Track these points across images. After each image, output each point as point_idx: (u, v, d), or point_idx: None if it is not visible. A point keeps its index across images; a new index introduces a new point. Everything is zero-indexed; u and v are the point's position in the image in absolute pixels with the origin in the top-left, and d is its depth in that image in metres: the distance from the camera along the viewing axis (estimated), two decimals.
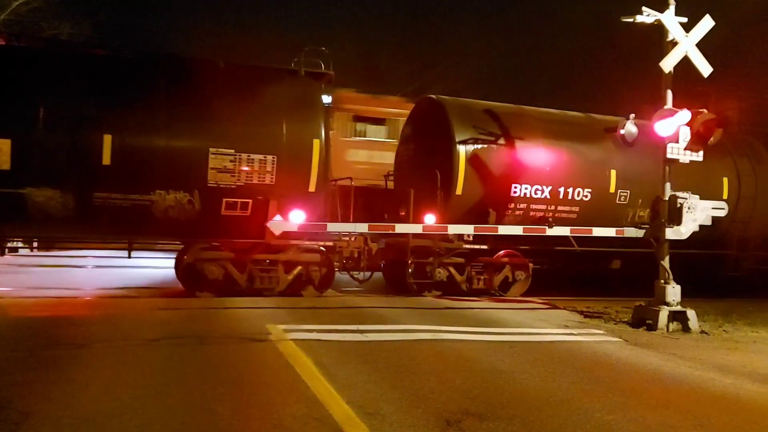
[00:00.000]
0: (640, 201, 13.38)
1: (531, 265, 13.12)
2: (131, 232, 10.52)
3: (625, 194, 13.39)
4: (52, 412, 4.48)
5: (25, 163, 9.41)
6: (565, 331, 8.93)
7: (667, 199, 10.09)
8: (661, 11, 9.99)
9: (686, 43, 9.93)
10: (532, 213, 12.80)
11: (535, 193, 12.68)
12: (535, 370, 6.41)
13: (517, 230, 11.17)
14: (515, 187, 12.46)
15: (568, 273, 14.10)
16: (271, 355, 6.58)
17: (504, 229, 10.89)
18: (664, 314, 9.48)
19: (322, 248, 11.22)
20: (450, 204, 11.98)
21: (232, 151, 10.42)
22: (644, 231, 10.52)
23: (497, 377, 6.06)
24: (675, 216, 10.05)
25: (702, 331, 9.41)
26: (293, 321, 8.51)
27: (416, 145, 13.22)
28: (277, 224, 9.11)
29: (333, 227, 9.73)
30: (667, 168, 10.10)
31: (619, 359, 7.18)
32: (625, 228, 11.01)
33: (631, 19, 10.12)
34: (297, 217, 9.53)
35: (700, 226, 10.05)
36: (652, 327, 9.45)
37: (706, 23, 9.91)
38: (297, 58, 11.78)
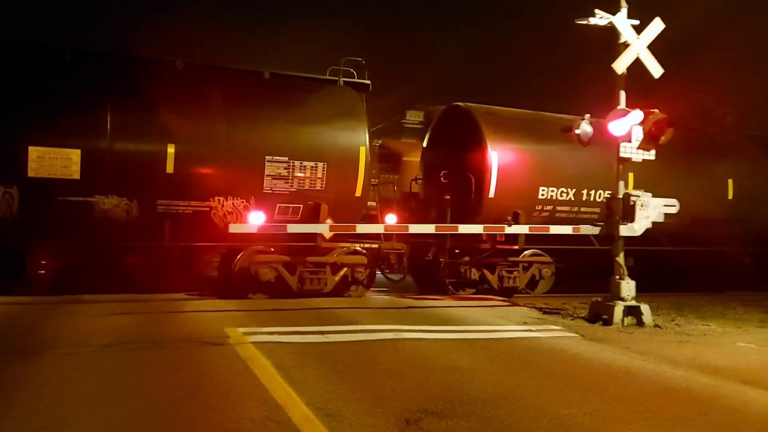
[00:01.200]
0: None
1: (553, 264, 13.56)
2: (191, 238, 10.68)
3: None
4: (2, 425, 4.34)
5: (93, 172, 9.75)
6: (524, 328, 9.08)
7: (621, 197, 10.34)
8: (614, 13, 10.24)
9: (638, 45, 10.19)
10: (557, 214, 13.35)
11: (561, 195, 13.28)
12: (493, 367, 6.50)
13: (478, 229, 11.37)
14: (542, 190, 13.04)
15: (587, 271, 14.18)
16: (229, 358, 6.50)
17: (463, 228, 11.00)
18: (619, 309, 9.71)
19: (364, 250, 11.78)
20: (483, 206, 12.51)
21: (286, 158, 10.93)
22: (600, 228, 10.77)
23: (457, 375, 6.13)
24: (629, 213, 10.31)
25: (656, 325, 9.67)
26: (253, 324, 8.43)
27: (446, 150, 13.61)
28: (235, 226, 9.02)
29: (293, 228, 9.67)
30: (620, 167, 10.35)
31: (576, 354, 7.33)
32: (581, 226, 11.25)
33: (585, 21, 10.32)
34: (256, 219, 9.44)
35: None
36: (608, 322, 9.67)
37: (657, 26, 10.20)
38: (333, 67, 12.24)
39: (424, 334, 8.11)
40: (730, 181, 15.33)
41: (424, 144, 14.87)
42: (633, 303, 9.86)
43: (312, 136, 11.28)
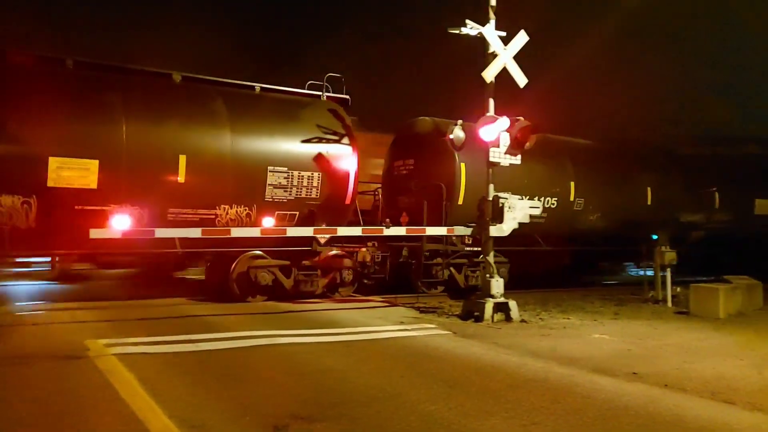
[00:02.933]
0: (591, 207, 15.63)
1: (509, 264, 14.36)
2: (197, 245, 10.72)
3: (581, 202, 15.49)
4: None
5: (109, 182, 9.96)
6: (400, 327, 9.26)
7: (491, 199, 10.85)
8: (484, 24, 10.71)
9: (505, 56, 10.72)
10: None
11: None
12: (366, 368, 6.57)
13: (356, 231, 11.46)
14: (503, 198, 13.31)
15: (537, 269, 15.65)
16: (88, 372, 6.08)
17: (342, 231, 11.06)
18: (489, 306, 10.17)
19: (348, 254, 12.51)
20: (453, 212, 13.13)
21: (286, 168, 11.55)
22: (471, 229, 11.24)
23: (329, 378, 6.12)
24: (498, 215, 10.84)
25: (522, 320, 10.22)
26: (117, 334, 7.92)
27: (414, 161, 14.30)
28: (96, 231, 8.46)
29: (161, 233, 9.23)
30: (490, 170, 10.85)
31: (447, 351, 7.58)
32: (455, 227, 11.69)
33: (456, 31, 10.72)
34: (120, 223, 8.92)
35: None
36: (479, 318, 10.11)
37: (521, 38, 10.79)
38: (311, 81, 13.09)
39: (300, 339, 8.03)
40: (649, 189, 17.03)
41: (387, 155, 15.17)
42: (502, 300, 10.37)
43: (310, 149, 11.96)
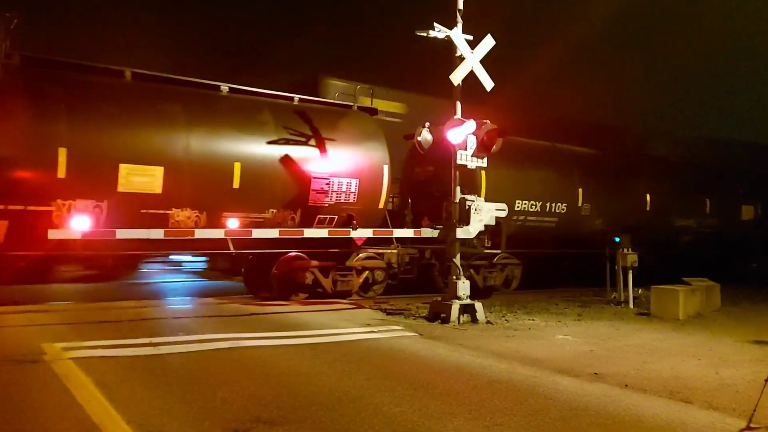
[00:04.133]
0: (597, 213, 16.62)
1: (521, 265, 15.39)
2: (247, 245, 11.53)
3: (588, 207, 16.47)
4: None
5: (172, 187, 10.58)
6: (367, 330, 9.23)
7: (457, 201, 10.91)
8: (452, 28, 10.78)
9: (472, 59, 10.81)
10: (527, 223, 15.26)
11: (531, 207, 15.34)
12: (332, 370, 6.52)
13: (323, 233, 11.45)
14: (518, 203, 14.98)
15: (543, 271, 16.55)
16: (43, 377, 5.90)
17: (308, 233, 11.01)
18: (455, 308, 10.22)
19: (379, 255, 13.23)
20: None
21: (327, 175, 12.25)
22: (438, 231, 11.28)
23: (294, 381, 6.07)
24: (464, 217, 10.91)
25: (488, 321, 10.30)
26: (76, 338, 7.72)
27: (435, 168, 14.54)
28: (54, 232, 8.24)
29: (122, 234, 9.04)
30: (457, 173, 10.91)
31: (413, 353, 7.59)
32: (422, 228, 11.73)
33: (424, 34, 10.76)
34: (81, 224, 8.71)
35: None
36: (446, 320, 10.15)
37: (488, 42, 10.88)
38: (340, 93, 14.16)
39: (265, 341, 7.94)
40: (648, 196, 18.16)
41: (405, 162, 15.58)
42: (468, 301, 10.43)
43: (348, 156, 12.67)
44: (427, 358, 7.34)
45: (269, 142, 11.76)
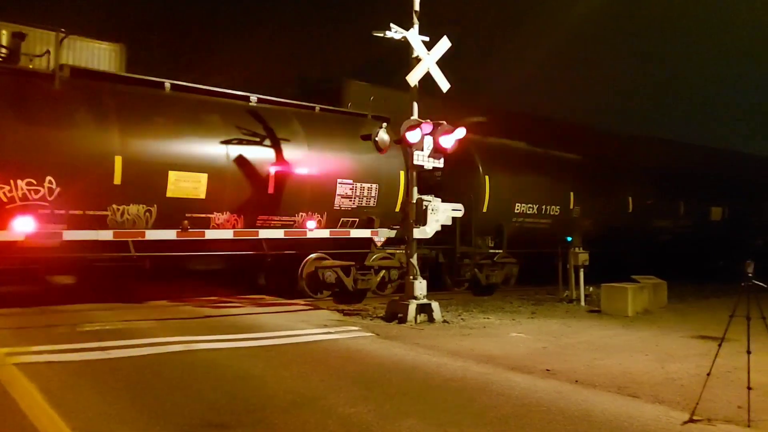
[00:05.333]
0: (585, 214, 17.56)
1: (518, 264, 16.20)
2: (280, 246, 12.20)
3: (578, 209, 17.56)
4: None
5: (215, 192, 11.28)
6: (323, 330, 9.19)
7: (414, 202, 10.97)
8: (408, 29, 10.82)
9: (428, 60, 10.87)
10: (525, 225, 16.22)
11: (528, 210, 16.40)
12: (287, 372, 6.47)
13: (279, 233, 11.38)
14: (518, 206, 16.09)
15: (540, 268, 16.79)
16: None
17: (263, 233, 10.93)
18: (412, 307, 10.28)
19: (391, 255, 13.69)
20: (478, 218, 14.99)
21: (351, 180, 13.02)
22: (395, 231, 11.33)
23: (247, 383, 6.00)
24: (421, 217, 10.98)
25: (444, 321, 10.39)
26: (21, 342, 7.45)
27: (443, 172, 14.77)
28: None
29: (69, 235, 8.77)
30: (413, 173, 10.98)
31: (369, 353, 7.59)
32: (378, 229, 11.76)
33: (381, 34, 10.78)
34: (23, 226, 8.41)
35: None
36: (403, 320, 10.19)
37: (444, 44, 10.97)
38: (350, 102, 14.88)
39: (219, 344, 7.82)
40: (630, 199, 19.58)
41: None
42: (425, 301, 10.50)
43: (370, 162, 13.38)
44: (383, 358, 7.35)
45: (299, 150, 12.48)
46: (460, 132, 10.71)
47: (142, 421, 4.78)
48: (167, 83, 11.76)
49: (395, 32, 10.79)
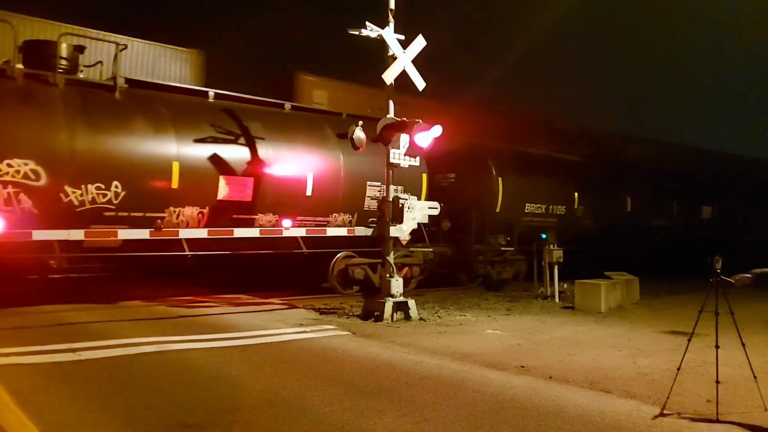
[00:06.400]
0: (588, 213, 18.60)
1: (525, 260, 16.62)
2: (312, 245, 12.65)
3: (581, 209, 18.49)
4: None
5: (258, 195, 12.11)
6: (299, 330, 9.14)
7: (391, 200, 10.97)
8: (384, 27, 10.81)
9: (404, 59, 10.89)
10: (533, 223, 16.91)
11: (537, 209, 17.29)
12: (262, 372, 6.44)
13: (255, 232, 11.29)
14: (528, 206, 16.99)
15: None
16: None
17: (238, 232, 10.84)
18: (389, 305, 10.28)
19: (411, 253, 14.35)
20: (491, 218, 16.04)
21: (379, 183, 13.43)
22: (372, 230, 11.33)
23: (222, 384, 5.95)
24: (398, 215, 10.98)
25: (421, 318, 10.42)
26: None
27: (457, 175, 16.75)
28: None
29: (38, 235, 8.60)
30: (390, 172, 10.98)
31: (345, 352, 7.58)
32: (355, 227, 11.76)
33: (356, 32, 10.75)
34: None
35: None
36: (380, 318, 10.19)
37: (420, 42, 10.99)
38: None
39: (193, 344, 7.74)
40: (628, 199, 20.42)
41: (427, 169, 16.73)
42: (401, 299, 10.52)
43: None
44: (359, 356, 7.35)
45: (333, 155, 13.18)
46: (437, 130, 10.72)
47: (114, 423, 4.72)
48: (211, 92, 12.60)
49: (371, 30, 10.78)
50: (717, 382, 5.32)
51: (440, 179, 16.58)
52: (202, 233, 10.73)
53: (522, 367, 6.83)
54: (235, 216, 11.81)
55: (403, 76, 10.94)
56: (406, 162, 11.03)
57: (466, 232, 15.75)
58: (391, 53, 10.86)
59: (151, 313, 10.54)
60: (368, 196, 13.65)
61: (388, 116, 10.92)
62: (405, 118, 10.74)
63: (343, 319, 10.34)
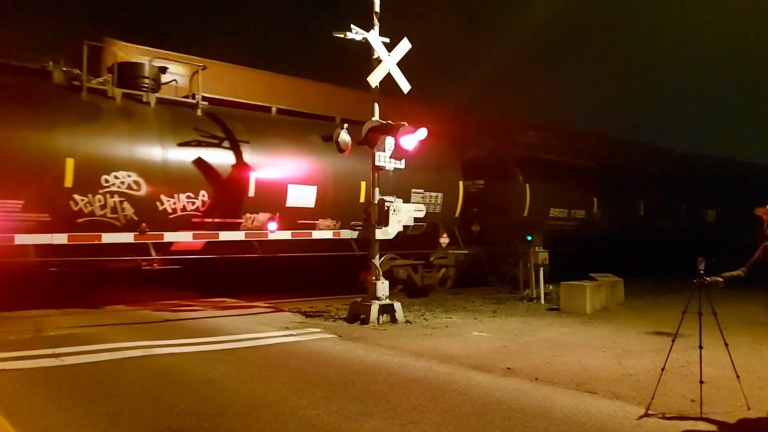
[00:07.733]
0: (605, 217, 19.49)
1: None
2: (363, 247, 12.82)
3: (599, 212, 19.40)
4: None
5: (321, 202, 13.18)
6: (285, 333, 9.12)
7: (376, 203, 10.98)
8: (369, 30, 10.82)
9: (389, 62, 10.91)
10: (556, 227, 17.80)
11: (560, 214, 18.24)
12: (248, 376, 6.41)
13: (240, 235, 11.24)
14: (552, 210, 17.96)
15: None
16: None
17: (224, 235, 10.79)
18: (375, 308, 10.28)
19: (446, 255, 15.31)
20: (519, 222, 16.59)
21: (422, 190, 14.82)
22: (358, 232, 11.32)
23: (208, 388, 5.91)
24: (384, 218, 11.00)
25: (407, 321, 10.43)
26: None
27: (486, 181, 17.52)
28: None
29: (21, 239, 8.50)
30: (375, 174, 10.99)
31: (330, 355, 7.57)
32: (341, 230, 11.76)
33: (342, 35, 10.76)
34: None
35: None
36: (366, 321, 10.19)
37: (404, 45, 11.03)
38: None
39: (179, 348, 7.69)
40: (641, 203, 21.47)
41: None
42: (387, 302, 10.52)
43: (437, 174, 15.22)
44: (345, 359, 7.34)
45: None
46: (422, 133, 10.76)
47: (99, 428, 4.68)
48: (273, 108, 13.68)
49: (356, 33, 10.79)
50: (701, 382, 5.38)
51: (469, 185, 17.17)
52: (186, 236, 10.64)
53: (508, 368, 6.86)
54: (299, 221, 12.85)
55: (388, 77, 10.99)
56: (391, 164, 11.03)
57: (495, 235, 16.63)
58: (376, 56, 10.87)
59: (136, 318, 10.46)
60: (412, 202, 13.90)
61: (373, 119, 10.93)
62: (390, 122, 10.76)
63: (329, 322, 10.33)
